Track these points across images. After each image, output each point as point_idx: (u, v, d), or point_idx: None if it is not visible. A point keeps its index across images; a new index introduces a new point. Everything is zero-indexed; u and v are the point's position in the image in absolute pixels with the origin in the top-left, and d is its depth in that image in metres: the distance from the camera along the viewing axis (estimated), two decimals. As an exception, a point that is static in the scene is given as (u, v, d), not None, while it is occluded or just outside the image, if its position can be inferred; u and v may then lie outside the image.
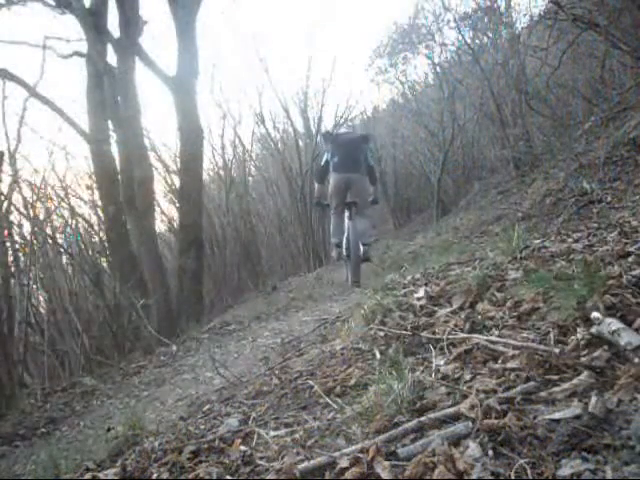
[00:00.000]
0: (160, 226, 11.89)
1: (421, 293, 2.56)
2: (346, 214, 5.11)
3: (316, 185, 5.77)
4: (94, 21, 7.12)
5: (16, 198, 6.74)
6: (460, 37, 11.95)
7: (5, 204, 5.69)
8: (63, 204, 7.85)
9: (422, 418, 1.30)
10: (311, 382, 2.06)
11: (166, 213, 12.27)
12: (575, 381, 1.26)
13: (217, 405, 2.42)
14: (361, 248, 5.02)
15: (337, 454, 1.25)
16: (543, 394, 1.25)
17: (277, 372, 2.57)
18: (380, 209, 23.06)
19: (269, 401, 2.07)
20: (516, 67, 9.68)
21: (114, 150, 7.60)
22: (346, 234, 5.13)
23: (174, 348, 5.27)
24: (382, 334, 2.23)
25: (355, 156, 4.97)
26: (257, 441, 1.62)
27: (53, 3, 7.64)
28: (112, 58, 7.37)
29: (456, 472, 1.02)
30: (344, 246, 5.20)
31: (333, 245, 5.48)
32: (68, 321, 5.80)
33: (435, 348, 1.85)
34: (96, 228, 8.07)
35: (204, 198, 9.81)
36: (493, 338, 1.70)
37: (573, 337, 1.50)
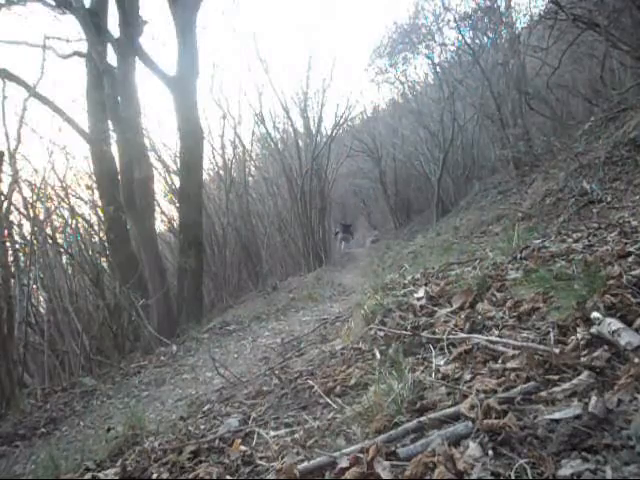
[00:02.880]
0: (160, 226, 11.87)
1: (421, 293, 2.56)
2: (343, 242, 17.74)
3: (334, 236, 18.32)
4: (94, 21, 7.11)
5: (16, 198, 6.72)
6: (460, 37, 11.96)
7: (5, 204, 5.68)
8: (63, 204, 7.83)
9: (422, 418, 1.30)
10: (311, 382, 2.06)
11: (166, 213, 12.25)
12: (575, 381, 1.26)
13: (217, 405, 2.42)
14: (345, 250, 17.39)
15: (337, 454, 1.25)
16: (543, 394, 1.25)
17: (277, 372, 2.57)
18: (380, 209, 23.32)
19: (269, 401, 2.07)
20: (516, 67, 9.69)
21: (114, 150, 7.60)
22: (342, 246, 17.57)
23: (174, 348, 5.27)
24: (382, 334, 2.23)
25: (347, 229, 18.05)
26: (257, 441, 1.62)
27: (53, 3, 7.63)
28: (112, 58, 7.37)
29: (456, 472, 1.02)
30: (342, 249, 17.50)
31: (339, 248, 17.80)
32: (68, 321, 5.79)
33: (435, 348, 1.85)
34: (96, 228, 8.05)
35: (204, 198, 9.80)
36: (493, 338, 1.70)
37: (573, 337, 1.50)
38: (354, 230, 20.90)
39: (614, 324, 1.40)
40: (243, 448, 1.55)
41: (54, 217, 7.33)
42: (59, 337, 5.86)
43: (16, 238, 6.54)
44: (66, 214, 7.57)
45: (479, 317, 1.99)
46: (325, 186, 14.74)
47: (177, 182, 9.99)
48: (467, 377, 1.53)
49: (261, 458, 1.45)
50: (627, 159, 5.00)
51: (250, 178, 15.42)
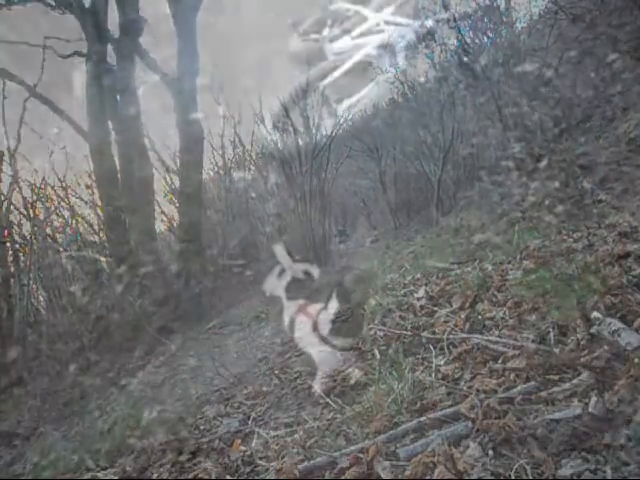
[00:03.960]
0: (160, 226, 11.85)
1: (421, 293, 2.56)
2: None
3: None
4: (94, 21, 7.11)
5: (16, 198, 6.71)
6: (460, 37, 11.92)
7: (5, 204, 5.67)
8: (63, 204, 7.82)
9: (422, 418, 1.30)
10: (311, 382, 2.06)
11: (166, 213, 12.25)
12: (575, 381, 1.26)
13: (217, 405, 2.42)
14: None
15: (337, 454, 1.25)
16: (543, 394, 1.25)
17: (277, 372, 2.57)
18: (380, 209, 23.42)
19: (269, 401, 2.07)
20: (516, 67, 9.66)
21: (114, 150, 7.59)
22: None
23: (174, 348, 5.27)
24: (382, 334, 2.23)
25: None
26: (257, 441, 1.62)
27: (53, 3, 7.62)
28: (112, 58, 7.36)
29: (456, 472, 1.02)
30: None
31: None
32: (68, 321, 5.78)
33: (435, 348, 1.85)
34: (96, 228, 8.04)
35: (204, 198, 9.78)
36: (493, 338, 1.70)
37: (573, 337, 1.50)
38: (351, 232, 23.82)
39: (614, 324, 1.40)
40: (243, 448, 1.55)
41: (54, 217, 7.33)
42: (59, 337, 5.85)
43: (16, 238, 6.54)
44: (66, 214, 7.58)
45: (479, 317, 1.99)
46: (325, 186, 14.72)
47: (177, 182, 9.98)
48: (467, 377, 1.53)
49: (261, 458, 1.46)
50: (627, 159, 4.99)
51: (250, 178, 15.41)
